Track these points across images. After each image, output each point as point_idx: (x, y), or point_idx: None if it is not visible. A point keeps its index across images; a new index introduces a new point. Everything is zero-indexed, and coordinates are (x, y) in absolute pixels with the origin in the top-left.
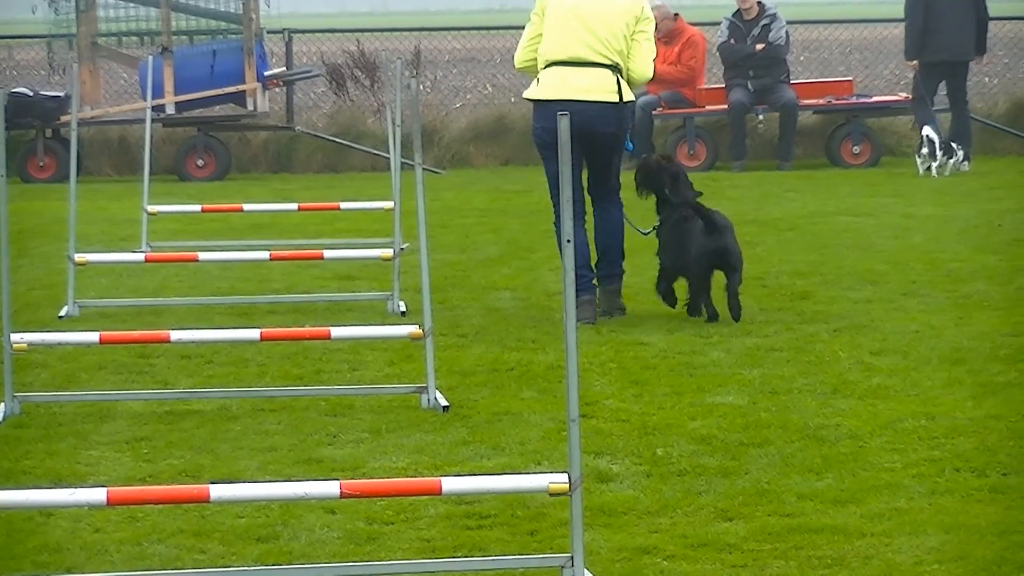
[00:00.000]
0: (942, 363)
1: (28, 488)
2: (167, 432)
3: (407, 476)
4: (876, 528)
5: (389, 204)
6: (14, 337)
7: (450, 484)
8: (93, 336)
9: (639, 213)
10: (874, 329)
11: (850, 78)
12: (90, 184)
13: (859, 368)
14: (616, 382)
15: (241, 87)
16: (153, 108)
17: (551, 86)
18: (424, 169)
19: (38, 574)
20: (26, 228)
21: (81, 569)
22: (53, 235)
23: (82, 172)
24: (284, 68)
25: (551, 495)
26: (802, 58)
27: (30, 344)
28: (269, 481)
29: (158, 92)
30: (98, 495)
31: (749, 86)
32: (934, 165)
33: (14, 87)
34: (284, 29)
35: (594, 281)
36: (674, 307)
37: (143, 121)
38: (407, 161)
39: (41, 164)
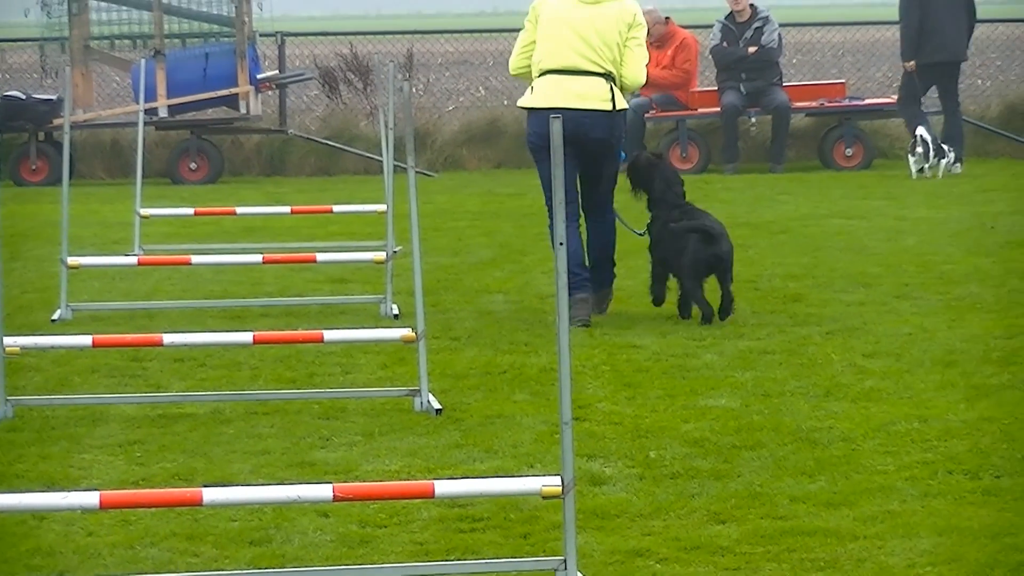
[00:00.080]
0: (935, 366)
1: (21, 492)
2: (160, 435)
3: (400, 479)
4: (869, 531)
5: (382, 207)
6: (7, 340)
7: (443, 487)
8: (86, 339)
9: (633, 214)
10: (867, 332)
11: (842, 81)
12: (83, 187)
13: (852, 371)
14: (609, 385)
15: (234, 90)
16: (146, 111)
17: (545, 94)
18: (417, 172)
19: None
20: (19, 231)
21: (74, 572)
22: (46, 238)
23: (75, 175)
24: (277, 71)
25: (544, 498)
26: (794, 61)
27: (23, 348)
28: (262, 484)
29: (151, 95)
30: (91, 499)
31: (742, 89)
32: (927, 166)
33: (7, 90)
34: (277, 32)
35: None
36: (659, 306)
37: (136, 124)
38: (400, 164)
39: (34, 167)
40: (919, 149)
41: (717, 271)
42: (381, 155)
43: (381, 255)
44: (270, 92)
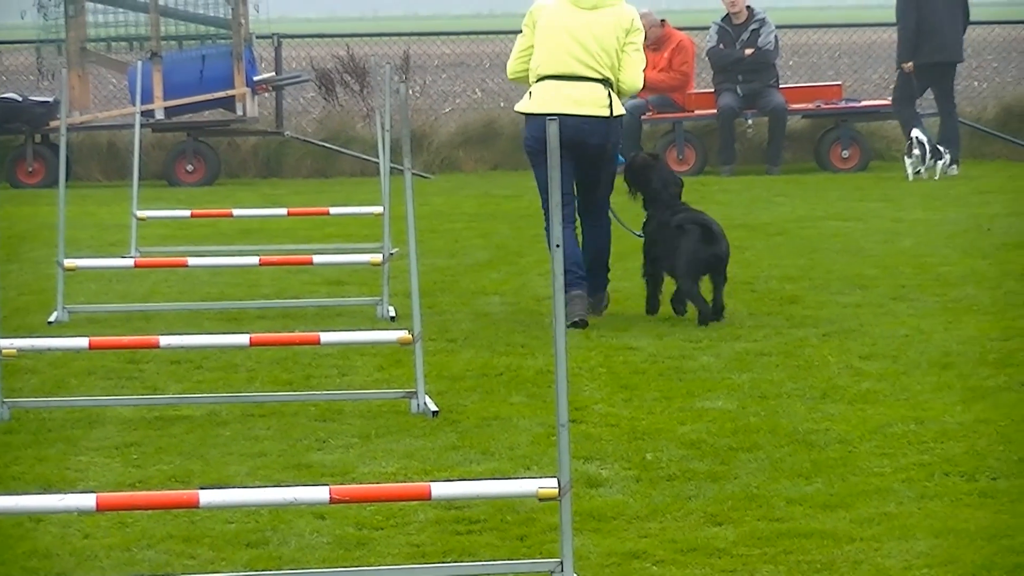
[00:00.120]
0: (931, 367)
1: (18, 494)
2: (156, 438)
3: (396, 481)
4: (865, 532)
5: (378, 209)
6: (3, 343)
7: (439, 489)
8: (82, 341)
9: (630, 216)
10: (863, 333)
11: (839, 82)
12: (79, 189)
13: (848, 372)
14: (605, 387)
15: (230, 92)
16: (142, 113)
17: (543, 100)
18: (413, 174)
19: None
20: (15, 234)
21: (71, 575)
22: (42, 240)
23: (71, 177)
24: (273, 73)
25: (540, 500)
26: (791, 62)
27: (19, 350)
28: (259, 486)
29: (147, 97)
30: (87, 501)
31: (738, 90)
32: (923, 168)
33: (3, 92)
34: (273, 34)
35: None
36: (654, 314)
37: (132, 126)
38: (396, 166)
39: (30, 169)
40: (916, 151)
41: (714, 271)
42: (378, 157)
43: (378, 257)
44: (267, 94)
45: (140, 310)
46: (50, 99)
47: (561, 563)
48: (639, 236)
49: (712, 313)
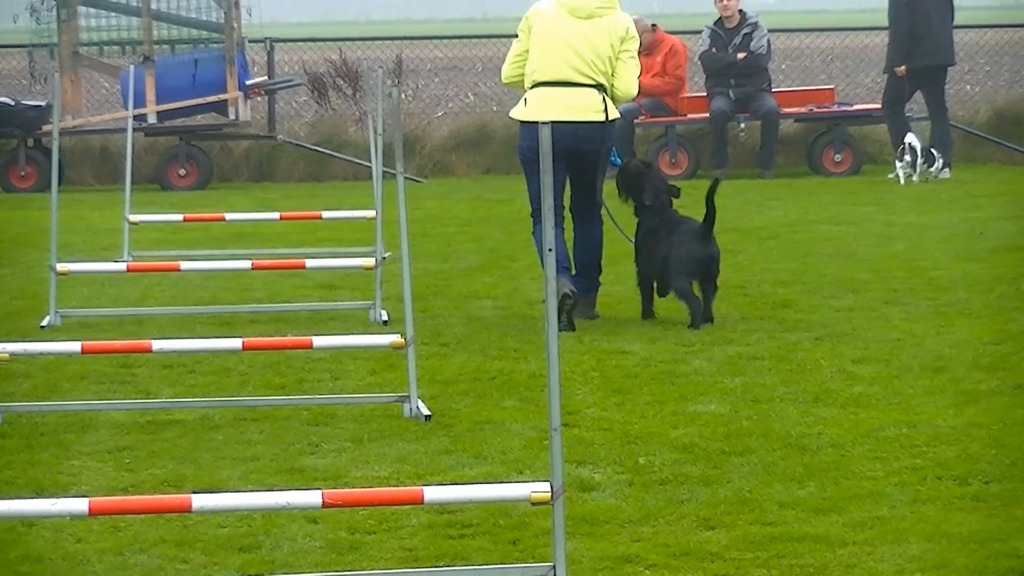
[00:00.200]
0: (924, 371)
1: (10, 498)
2: (149, 442)
3: (389, 485)
4: (858, 536)
5: (371, 213)
6: None
7: (432, 493)
8: (75, 346)
9: (623, 220)
10: (856, 337)
11: (831, 86)
12: (72, 193)
13: (841, 376)
14: (598, 391)
15: (223, 96)
16: (135, 117)
17: (538, 107)
18: (406, 178)
19: None
20: (8, 238)
21: None
22: (35, 245)
23: (64, 181)
24: (266, 77)
25: (533, 504)
26: (783, 66)
27: (12, 354)
28: (251, 491)
29: (140, 101)
30: (80, 505)
31: (731, 94)
32: (915, 174)
33: None
34: (266, 38)
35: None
36: (650, 318)
37: (125, 130)
38: (389, 170)
39: (23, 173)
40: (907, 156)
41: (706, 273)
42: (370, 161)
43: (370, 261)
44: (259, 98)
45: (133, 314)
46: (43, 103)
47: (554, 567)
48: (632, 242)
49: (703, 316)
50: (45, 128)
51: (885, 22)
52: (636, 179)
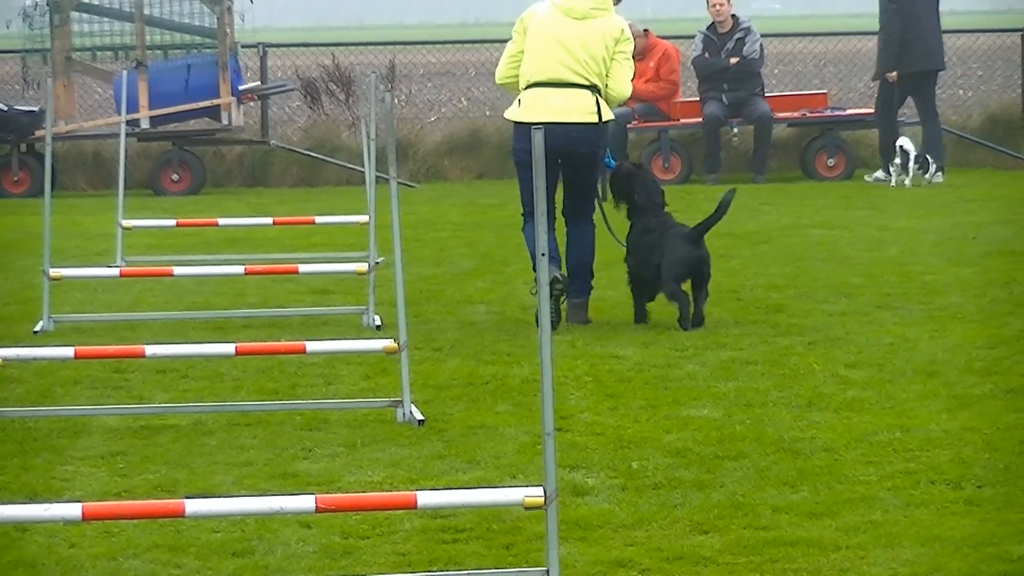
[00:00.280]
0: (917, 375)
1: (3, 503)
2: (142, 447)
3: (382, 490)
4: (851, 541)
5: (364, 218)
6: None
7: (425, 498)
8: (68, 351)
9: (615, 222)
10: (849, 342)
11: (824, 91)
12: (65, 199)
13: (834, 381)
14: (591, 395)
15: (216, 101)
16: (128, 122)
17: (531, 107)
18: (399, 183)
19: None
20: (1, 243)
21: None
22: (28, 250)
23: (57, 187)
24: (259, 82)
25: (526, 509)
26: (776, 71)
27: (5, 359)
28: (244, 495)
29: (133, 106)
30: (73, 510)
31: (724, 99)
32: (907, 178)
33: None
34: (259, 43)
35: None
36: (643, 322)
37: (118, 135)
38: (382, 175)
39: (16, 179)
40: (898, 160)
41: (697, 275)
42: (363, 166)
43: (363, 266)
44: (252, 103)
45: (126, 319)
46: (35, 108)
47: (547, 572)
48: (623, 245)
49: (694, 319)
50: (38, 133)
51: (877, 27)
52: (628, 181)
